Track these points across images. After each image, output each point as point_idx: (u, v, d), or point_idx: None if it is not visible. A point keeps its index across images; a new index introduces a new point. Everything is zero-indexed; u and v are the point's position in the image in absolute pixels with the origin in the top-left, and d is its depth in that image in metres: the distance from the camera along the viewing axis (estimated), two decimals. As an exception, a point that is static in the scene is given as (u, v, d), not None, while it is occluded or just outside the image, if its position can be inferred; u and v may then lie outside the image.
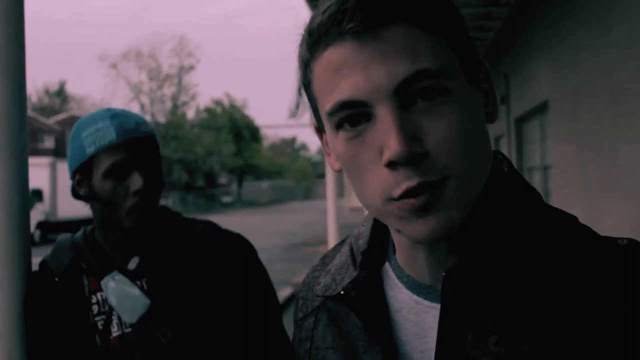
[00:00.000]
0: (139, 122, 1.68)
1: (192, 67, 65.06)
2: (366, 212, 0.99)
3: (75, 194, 1.72)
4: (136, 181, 1.59)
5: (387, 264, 0.94)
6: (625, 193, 4.32)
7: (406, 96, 0.75)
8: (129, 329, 1.63)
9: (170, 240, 1.72)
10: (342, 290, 0.92)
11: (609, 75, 4.76)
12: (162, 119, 61.05)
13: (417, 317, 0.87)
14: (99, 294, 1.66)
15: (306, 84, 0.86)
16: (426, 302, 0.86)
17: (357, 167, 0.79)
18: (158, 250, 1.69)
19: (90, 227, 1.77)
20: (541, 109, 8.21)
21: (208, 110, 67.25)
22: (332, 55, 0.78)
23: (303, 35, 0.84)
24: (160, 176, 1.67)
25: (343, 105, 0.78)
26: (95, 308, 1.65)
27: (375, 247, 0.96)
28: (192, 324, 1.63)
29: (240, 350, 1.69)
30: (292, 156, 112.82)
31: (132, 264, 1.68)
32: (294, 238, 23.42)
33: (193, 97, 65.31)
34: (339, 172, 0.90)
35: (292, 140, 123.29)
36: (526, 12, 8.19)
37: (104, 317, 1.64)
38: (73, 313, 1.64)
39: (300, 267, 13.78)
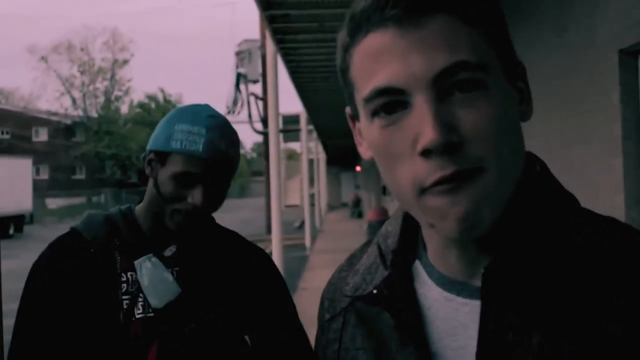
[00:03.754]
0: (230, 144, 1.69)
1: (125, 62, 64.11)
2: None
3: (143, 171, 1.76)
4: (196, 196, 1.61)
5: (417, 262, 0.93)
6: (580, 192, 4.37)
7: (444, 86, 0.75)
8: (152, 314, 1.64)
9: (206, 239, 1.77)
10: (374, 289, 0.92)
11: (561, 77, 4.81)
12: (94, 113, 59.90)
13: (447, 315, 0.86)
14: (129, 273, 1.67)
15: (344, 68, 0.86)
16: (459, 299, 0.85)
17: (391, 155, 0.79)
18: (195, 244, 1.74)
19: (126, 206, 1.79)
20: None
21: (142, 106, 66.20)
22: (372, 41, 0.78)
23: (344, 20, 0.83)
24: (222, 195, 1.69)
25: (380, 92, 0.77)
26: (124, 287, 1.66)
27: (406, 245, 0.95)
28: (215, 320, 1.68)
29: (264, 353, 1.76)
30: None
31: (169, 252, 1.71)
32: (231, 236, 23.17)
33: (126, 92, 64.45)
34: (370, 160, 0.89)
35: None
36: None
37: (129, 297, 1.65)
38: (105, 287, 1.64)
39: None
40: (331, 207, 43.61)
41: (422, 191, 0.77)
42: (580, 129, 4.55)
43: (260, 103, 24.24)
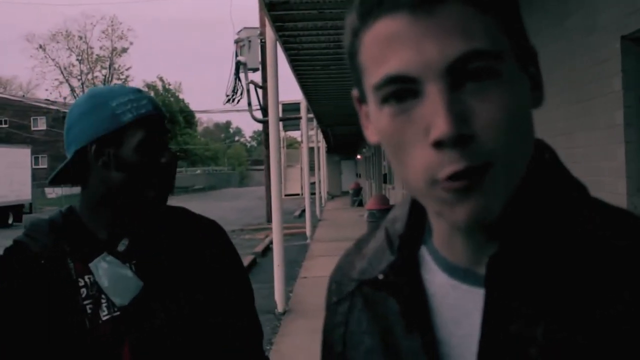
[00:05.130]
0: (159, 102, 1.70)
1: (124, 50, 64.02)
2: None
3: (67, 172, 1.66)
4: (166, 154, 1.62)
5: (423, 248, 0.92)
6: (582, 179, 4.36)
7: (457, 75, 0.73)
8: (118, 312, 1.59)
9: (155, 223, 1.71)
10: (381, 274, 0.91)
11: (564, 64, 4.79)
12: (93, 102, 59.75)
13: (453, 301, 0.85)
14: (86, 277, 1.60)
15: (352, 52, 0.83)
16: (464, 286, 0.84)
17: (401, 144, 0.77)
18: (145, 232, 1.68)
19: (66, 207, 1.72)
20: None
21: (141, 94, 65.91)
22: (384, 26, 0.76)
23: (354, 3, 0.80)
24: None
25: (391, 80, 0.75)
26: (83, 291, 1.59)
27: (413, 230, 0.94)
28: (182, 304, 1.63)
29: (219, 326, 1.71)
30: (227, 140, 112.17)
31: (122, 246, 1.64)
32: (231, 225, 23.22)
33: (125, 81, 64.30)
34: (376, 144, 0.88)
35: (227, 125, 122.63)
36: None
37: (91, 300, 1.59)
38: (64, 296, 1.58)
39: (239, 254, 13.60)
40: (332, 196, 43.59)
41: (434, 182, 0.75)
42: (582, 115, 4.54)
43: (260, 91, 24.18)
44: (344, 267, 1.06)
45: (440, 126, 0.71)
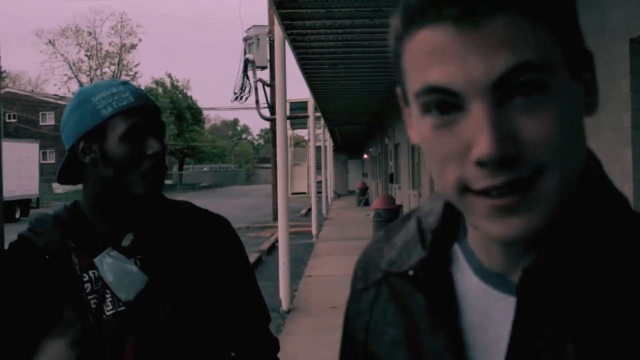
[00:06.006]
0: (146, 92, 1.69)
1: (133, 46, 64.13)
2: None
3: (68, 170, 1.68)
4: (153, 145, 1.59)
5: (456, 246, 0.89)
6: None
7: (504, 90, 0.69)
8: (123, 308, 1.60)
9: (160, 217, 1.71)
10: (411, 269, 0.89)
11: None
12: (102, 98, 60.00)
13: (483, 306, 0.82)
14: (90, 272, 1.61)
15: (396, 54, 0.80)
16: (495, 292, 0.82)
17: (441, 155, 0.74)
18: (150, 227, 1.67)
19: (71, 202, 1.72)
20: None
21: (149, 91, 66.23)
22: (427, 37, 0.72)
23: (398, 6, 0.77)
24: (164, 141, 1.67)
25: (431, 90, 0.73)
26: (87, 286, 1.60)
27: (446, 226, 0.90)
28: (188, 299, 1.63)
29: (224, 318, 1.72)
30: (234, 138, 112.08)
31: (127, 241, 1.64)
32: (237, 222, 23.15)
33: (134, 77, 64.44)
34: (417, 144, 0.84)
35: (234, 123, 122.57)
36: None
37: (96, 295, 1.60)
38: (68, 291, 1.58)
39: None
40: (338, 195, 43.54)
41: (465, 189, 0.73)
42: (589, 118, 4.53)
43: (268, 89, 24.17)
44: (371, 255, 1.03)
45: (484, 146, 0.68)
